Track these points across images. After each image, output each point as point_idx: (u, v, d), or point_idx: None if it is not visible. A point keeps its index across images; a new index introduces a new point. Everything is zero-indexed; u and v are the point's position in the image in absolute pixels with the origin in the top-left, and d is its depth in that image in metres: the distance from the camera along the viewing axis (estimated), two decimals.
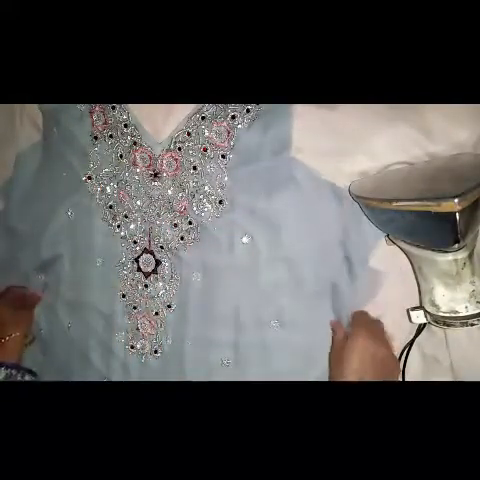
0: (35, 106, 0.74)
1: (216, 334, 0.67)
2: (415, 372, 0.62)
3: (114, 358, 0.73)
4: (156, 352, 0.71)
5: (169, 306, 0.70)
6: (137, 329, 0.72)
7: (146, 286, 0.71)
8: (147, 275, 0.71)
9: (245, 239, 0.65)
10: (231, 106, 0.63)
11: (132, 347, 0.72)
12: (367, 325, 0.59)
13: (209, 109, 0.64)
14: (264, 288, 0.65)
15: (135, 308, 0.72)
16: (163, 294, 0.70)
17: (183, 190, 0.67)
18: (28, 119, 0.76)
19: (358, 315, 0.63)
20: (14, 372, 0.65)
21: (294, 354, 0.66)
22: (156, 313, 0.71)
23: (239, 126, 0.63)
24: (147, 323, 0.72)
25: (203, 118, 0.64)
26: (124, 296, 0.72)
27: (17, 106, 0.76)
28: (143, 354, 0.72)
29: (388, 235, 0.61)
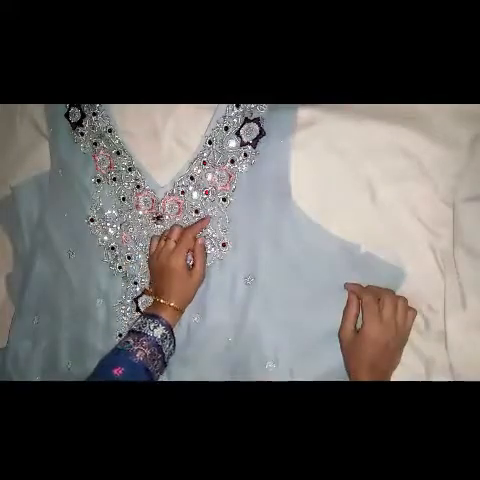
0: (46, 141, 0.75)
1: (210, 377, 0.67)
2: (415, 372, 0.61)
3: None
4: None
5: None
6: None
7: None
8: None
9: (248, 281, 0.66)
10: (230, 150, 0.65)
11: None
12: (378, 313, 0.58)
13: (209, 154, 0.66)
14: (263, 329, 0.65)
15: None
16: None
17: None
18: (28, 119, 0.77)
19: (368, 301, 0.59)
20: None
21: None
22: None
23: (239, 169, 0.65)
24: None
25: (205, 163, 0.66)
26: (121, 336, 0.71)
27: (17, 106, 0.77)
28: None
29: None
